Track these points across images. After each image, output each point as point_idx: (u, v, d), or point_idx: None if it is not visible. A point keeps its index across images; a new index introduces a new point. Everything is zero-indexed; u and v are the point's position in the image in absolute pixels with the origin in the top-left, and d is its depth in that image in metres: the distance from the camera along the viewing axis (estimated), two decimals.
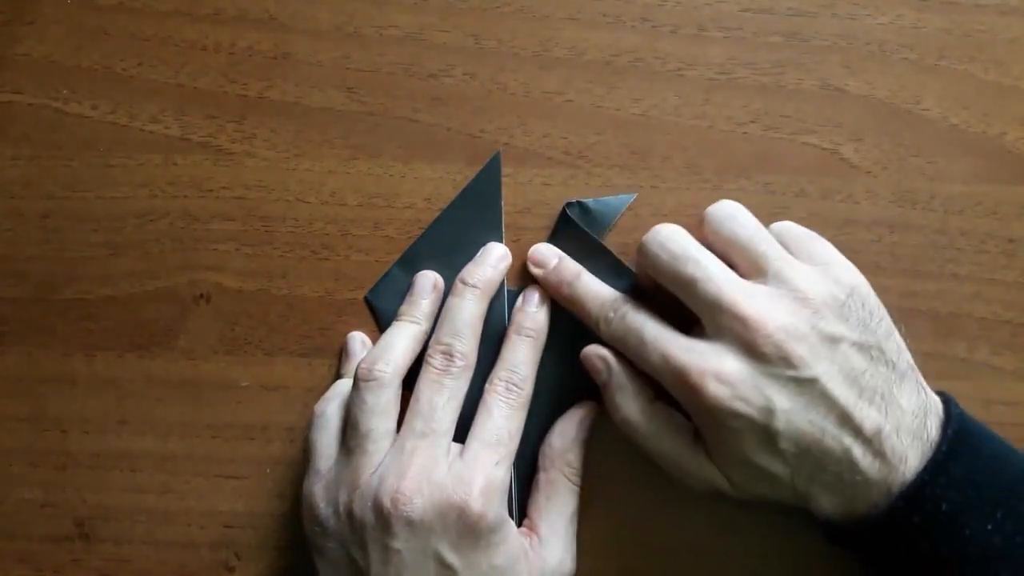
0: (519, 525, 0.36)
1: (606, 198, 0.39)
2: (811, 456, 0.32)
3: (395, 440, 0.34)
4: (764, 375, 0.32)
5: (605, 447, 0.38)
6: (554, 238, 0.39)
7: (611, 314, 0.35)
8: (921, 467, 0.31)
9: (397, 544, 0.32)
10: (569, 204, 0.39)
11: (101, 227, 0.40)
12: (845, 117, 0.40)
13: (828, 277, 0.33)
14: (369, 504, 0.33)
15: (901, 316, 0.38)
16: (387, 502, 0.32)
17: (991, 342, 0.39)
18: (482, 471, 0.33)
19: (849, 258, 0.35)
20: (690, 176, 0.39)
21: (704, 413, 0.33)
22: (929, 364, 0.38)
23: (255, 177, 0.40)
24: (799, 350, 0.32)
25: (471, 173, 0.39)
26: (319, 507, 0.34)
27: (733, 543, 0.38)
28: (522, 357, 0.36)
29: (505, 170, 0.39)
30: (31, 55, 0.40)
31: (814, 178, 0.39)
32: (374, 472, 0.33)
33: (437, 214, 0.39)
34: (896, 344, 0.33)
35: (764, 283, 0.33)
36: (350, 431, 0.34)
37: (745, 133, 0.39)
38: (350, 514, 0.33)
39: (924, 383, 0.34)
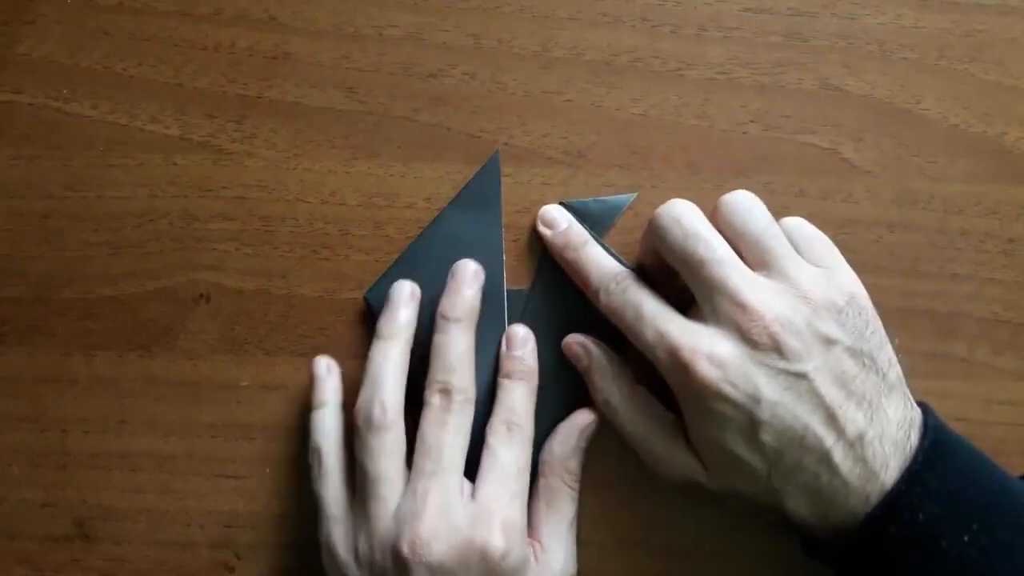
0: None
1: (606, 198, 0.39)
2: (791, 453, 0.32)
3: (407, 481, 0.34)
4: (755, 363, 0.32)
5: (605, 447, 0.38)
6: None
7: (612, 285, 0.36)
8: (899, 476, 0.31)
9: None
10: (563, 204, 0.39)
11: (101, 227, 0.40)
12: (845, 117, 0.40)
13: (831, 281, 0.34)
14: (388, 552, 0.33)
15: (901, 316, 0.39)
16: (405, 549, 0.32)
17: (991, 342, 0.39)
18: (498, 510, 0.33)
19: (849, 258, 0.35)
20: (690, 176, 0.39)
21: (691, 394, 0.33)
22: (929, 364, 0.39)
23: (255, 177, 0.40)
24: (793, 343, 0.32)
25: (471, 173, 0.39)
26: (339, 555, 0.34)
27: (732, 544, 0.38)
28: (518, 399, 0.36)
29: (505, 170, 0.39)
30: (31, 55, 0.40)
31: (814, 178, 0.39)
32: (391, 517, 0.33)
33: (437, 214, 0.39)
34: (888, 356, 0.34)
35: (768, 277, 0.33)
36: (360, 476, 0.34)
37: (745, 133, 0.39)
38: (371, 563, 0.33)
39: (911, 397, 0.34)
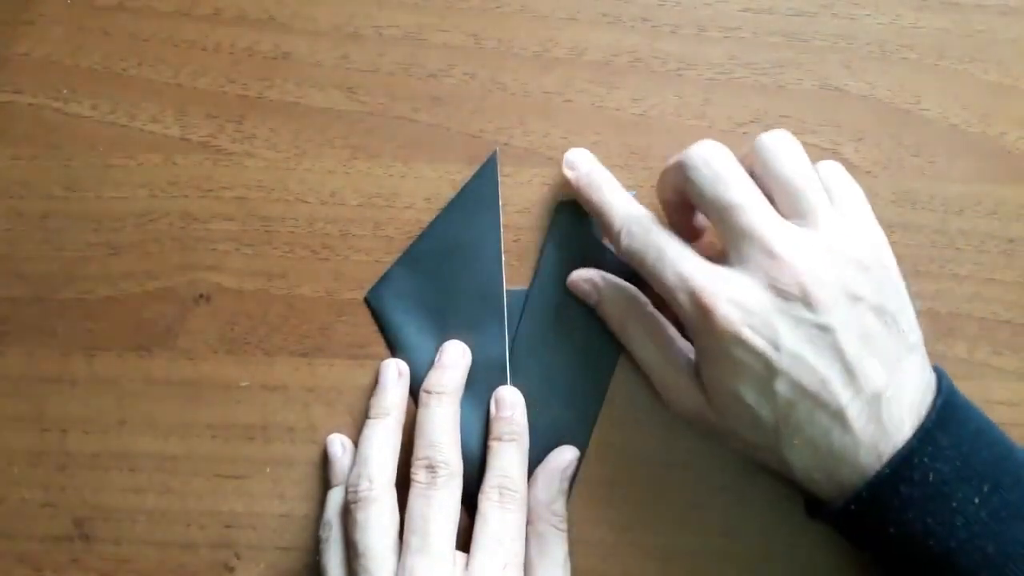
0: None
1: None
2: (803, 405, 0.31)
3: (399, 556, 0.34)
4: (781, 311, 0.31)
5: (607, 448, 0.38)
6: (552, 237, 0.39)
7: (635, 227, 0.35)
8: (911, 435, 0.31)
9: None
10: (562, 203, 0.39)
11: (101, 227, 0.40)
12: (845, 117, 0.40)
13: (861, 237, 0.33)
14: None
15: None
16: None
17: (991, 342, 0.39)
18: None
19: None
20: None
21: (709, 337, 0.32)
22: None
23: (255, 177, 0.40)
24: (821, 295, 0.31)
25: (470, 173, 0.39)
26: None
27: (731, 545, 0.38)
28: (510, 460, 0.36)
29: (505, 170, 0.39)
30: (31, 55, 0.40)
31: None
32: None
33: (437, 214, 0.39)
34: (909, 318, 0.33)
35: (800, 226, 0.33)
36: (350, 552, 0.35)
37: (745, 133, 0.39)
38: None
39: (928, 361, 0.33)
